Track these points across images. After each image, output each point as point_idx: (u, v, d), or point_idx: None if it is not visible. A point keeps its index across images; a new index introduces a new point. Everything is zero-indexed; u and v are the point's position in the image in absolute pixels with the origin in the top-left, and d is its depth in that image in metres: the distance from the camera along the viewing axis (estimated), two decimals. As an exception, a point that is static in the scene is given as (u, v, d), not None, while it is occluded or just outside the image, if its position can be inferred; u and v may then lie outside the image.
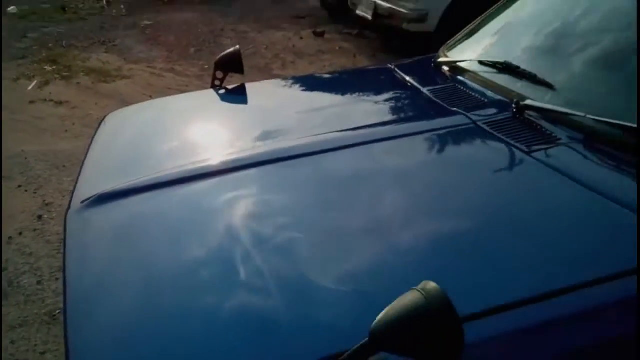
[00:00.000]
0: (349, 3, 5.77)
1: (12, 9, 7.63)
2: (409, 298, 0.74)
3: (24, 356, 1.95)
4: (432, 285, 0.74)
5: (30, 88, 4.77)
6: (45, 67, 5.31)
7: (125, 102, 4.11)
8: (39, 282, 2.32)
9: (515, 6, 1.95)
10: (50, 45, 6.14)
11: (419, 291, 0.74)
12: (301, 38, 6.33)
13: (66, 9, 7.95)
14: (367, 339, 0.75)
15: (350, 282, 0.95)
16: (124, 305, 0.99)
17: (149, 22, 7.19)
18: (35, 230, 2.70)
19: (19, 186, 3.14)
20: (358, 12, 5.46)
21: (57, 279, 2.32)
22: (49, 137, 3.84)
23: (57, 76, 5.07)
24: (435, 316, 0.71)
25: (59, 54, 5.76)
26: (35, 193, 3.07)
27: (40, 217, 2.81)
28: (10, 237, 2.63)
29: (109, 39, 6.42)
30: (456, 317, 0.71)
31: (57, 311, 2.14)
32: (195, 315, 0.93)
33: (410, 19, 4.76)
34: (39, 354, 1.96)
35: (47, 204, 2.93)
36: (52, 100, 4.50)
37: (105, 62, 5.52)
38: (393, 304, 0.75)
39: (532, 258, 0.99)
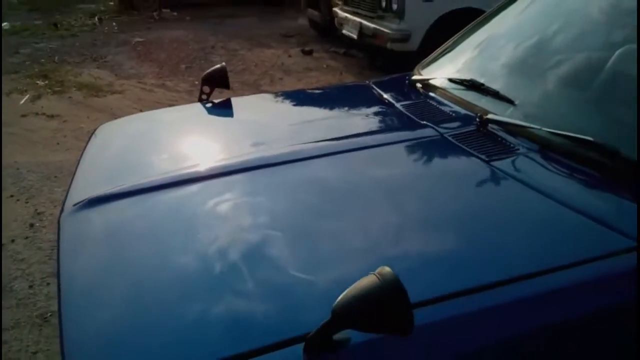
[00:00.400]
0: (335, 23, 5.95)
1: (4, 25, 7.74)
2: (366, 281, 0.85)
3: (16, 356, 2.03)
4: (387, 270, 0.85)
5: (22, 102, 4.87)
6: (38, 82, 5.42)
7: (116, 116, 4.20)
8: (30, 287, 2.40)
9: (483, 29, 2.10)
10: (42, 60, 6.26)
11: (375, 275, 0.85)
12: (289, 56, 6.49)
13: (58, 25, 8.08)
14: (330, 317, 0.85)
15: (319, 272, 1.06)
16: (115, 302, 1.07)
17: (140, 39, 7.33)
18: (27, 237, 2.78)
19: (11, 196, 3.22)
20: (344, 31, 5.64)
21: (48, 283, 2.40)
22: (41, 149, 3.93)
23: (49, 90, 5.18)
24: (387, 296, 0.82)
25: (51, 69, 5.88)
26: (27, 202, 3.15)
27: (32, 225, 2.90)
28: (2, 244, 2.70)
29: (100, 55, 6.55)
30: (406, 298, 0.82)
31: (49, 314, 2.22)
32: (185, 314, 1.01)
33: (393, 38, 4.94)
34: (30, 353, 2.04)
35: (38, 213, 3.02)
36: (44, 114, 4.60)
37: (97, 77, 5.64)
38: (353, 286, 0.86)
39: (482, 252, 1.11)
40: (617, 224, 1.15)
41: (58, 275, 1.21)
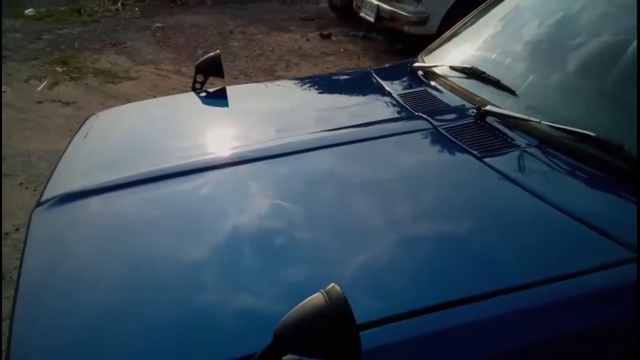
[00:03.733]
0: (354, 5, 5.80)
1: (29, 11, 7.81)
2: (312, 301, 0.76)
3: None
4: (335, 289, 0.76)
5: (39, 88, 4.90)
6: (56, 68, 5.43)
7: (130, 102, 4.19)
8: (29, 278, 2.38)
9: (490, 14, 1.96)
10: (63, 46, 6.28)
11: (322, 294, 0.76)
12: (307, 40, 6.37)
13: (82, 11, 8.10)
14: (271, 341, 0.77)
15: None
16: (70, 312, 1.01)
17: (160, 25, 7.30)
18: (31, 227, 2.78)
19: (20, 184, 3.23)
20: (362, 14, 5.49)
21: (47, 274, 2.39)
22: (54, 136, 3.94)
23: (67, 77, 5.19)
24: (332, 320, 0.73)
25: (70, 55, 5.89)
26: (35, 190, 3.15)
27: (37, 214, 2.89)
28: (6, 233, 2.71)
29: (120, 40, 6.54)
30: (352, 323, 0.73)
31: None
32: (142, 314, 0.96)
33: (410, 21, 4.78)
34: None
35: (44, 202, 3.01)
36: (59, 101, 4.61)
37: (114, 63, 5.63)
38: (298, 306, 0.77)
39: (463, 264, 1.01)
40: (616, 233, 1.03)
41: (19, 274, 1.17)
